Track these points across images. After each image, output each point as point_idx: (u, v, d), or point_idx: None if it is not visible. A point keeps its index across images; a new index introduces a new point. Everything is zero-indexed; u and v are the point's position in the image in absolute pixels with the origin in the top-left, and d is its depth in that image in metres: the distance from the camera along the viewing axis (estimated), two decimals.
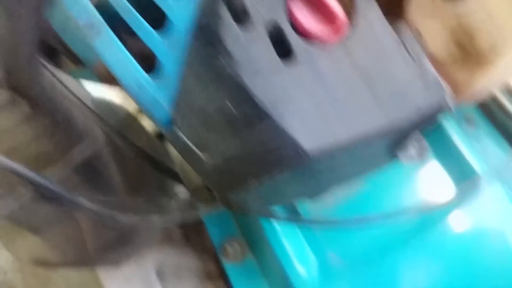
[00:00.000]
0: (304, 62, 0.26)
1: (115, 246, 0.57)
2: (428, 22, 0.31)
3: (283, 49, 0.26)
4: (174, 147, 0.28)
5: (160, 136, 0.72)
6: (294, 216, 0.36)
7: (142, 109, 0.29)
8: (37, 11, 0.21)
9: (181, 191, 0.67)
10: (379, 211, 0.63)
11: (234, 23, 0.25)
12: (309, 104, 0.25)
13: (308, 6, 0.27)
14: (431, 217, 0.48)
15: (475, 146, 0.59)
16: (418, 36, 0.28)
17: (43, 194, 0.33)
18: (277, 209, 0.38)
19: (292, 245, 0.55)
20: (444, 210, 0.47)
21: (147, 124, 0.97)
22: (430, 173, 0.67)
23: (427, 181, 0.67)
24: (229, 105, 0.25)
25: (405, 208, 0.41)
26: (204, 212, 0.38)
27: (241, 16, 0.25)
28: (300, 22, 0.27)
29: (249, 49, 0.25)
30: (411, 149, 0.33)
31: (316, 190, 0.33)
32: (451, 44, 0.28)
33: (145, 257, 0.72)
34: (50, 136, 0.43)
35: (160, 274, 0.72)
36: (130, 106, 0.99)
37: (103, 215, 0.34)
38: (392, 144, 0.30)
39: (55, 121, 0.44)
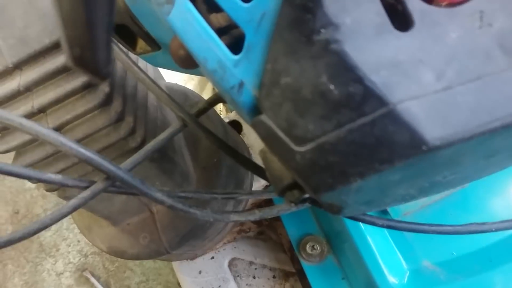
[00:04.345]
0: (424, 29, 0.20)
1: (189, 238, 0.55)
2: None
3: (396, 14, 0.21)
4: (260, 136, 0.24)
5: (233, 124, 0.70)
6: (395, 223, 0.31)
7: (222, 92, 0.26)
8: None
9: (256, 184, 0.63)
10: (481, 216, 0.55)
11: None
12: (432, 82, 0.20)
13: None
14: None
15: None
16: None
17: (117, 185, 0.31)
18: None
19: (381, 251, 0.50)
20: None
21: (219, 111, 0.96)
22: None
23: None
24: (328, 83, 0.20)
25: None
26: (283, 209, 0.34)
27: None
28: None
29: (354, 13, 0.20)
30: None
31: (425, 192, 0.28)
32: None
33: (220, 252, 0.71)
34: (126, 124, 0.41)
35: (234, 270, 0.70)
36: (203, 93, 0.98)
37: (178, 209, 0.31)
38: None
39: (131, 107, 0.42)
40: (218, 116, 0.57)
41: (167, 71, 0.64)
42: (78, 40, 0.18)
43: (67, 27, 0.17)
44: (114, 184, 0.31)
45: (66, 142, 0.28)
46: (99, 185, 0.30)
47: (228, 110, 0.83)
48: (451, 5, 0.21)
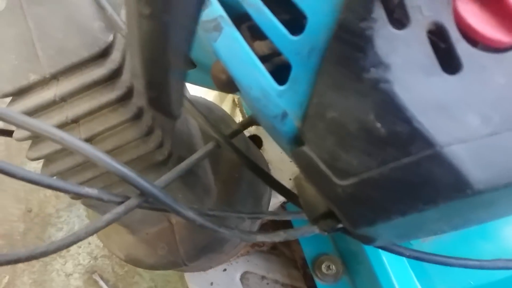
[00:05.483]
0: (472, 73, 0.21)
1: (206, 252, 0.55)
2: None
3: (444, 56, 0.21)
4: (299, 166, 0.24)
5: (253, 138, 0.70)
6: (421, 254, 0.31)
7: (263, 120, 0.26)
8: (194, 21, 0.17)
9: (274, 200, 0.64)
10: (499, 246, 0.55)
11: (388, 22, 0.20)
12: (478, 126, 0.20)
13: (476, 2, 0.22)
14: None
15: None
16: None
17: (150, 201, 0.31)
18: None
19: (398, 276, 0.50)
20: None
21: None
22: None
23: None
24: (375, 121, 0.20)
25: None
26: (307, 231, 0.34)
27: (397, 14, 0.21)
28: (467, 22, 0.21)
29: (404, 54, 0.20)
30: None
31: (457, 227, 0.28)
32: None
33: (232, 265, 0.71)
34: (155, 137, 0.42)
35: (246, 284, 0.70)
36: (222, 104, 0.98)
37: (208, 228, 0.32)
38: None
39: (160, 120, 0.43)
40: (242, 132, 0.57)
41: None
42: (156, 85, 0.18)
43: (147, 72, 0.18)
44: (147, 200, 0.31)
45: (104, 158, 0.29)
46: (133, 201, 0.30)
47: None
48: (499, 50, 0.21)
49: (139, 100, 0.19)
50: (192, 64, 0.36)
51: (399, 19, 0.21)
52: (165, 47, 0.17)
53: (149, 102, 0.20)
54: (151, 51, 0.17)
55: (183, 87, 0.21)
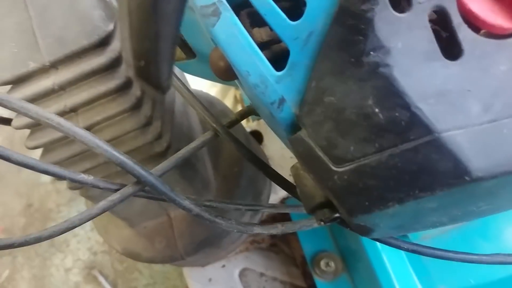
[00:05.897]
0: (473, 59, 0.20)
1: (204, 246, 0.55)
2: None
3: (446, 41, 0.21)
4: (296, 153, 0.24)
5: (254, 134, 0.70)
6: (420, 248, 0.31)
7: (261, 107, 0.26)
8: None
9: (274, 196, 0.63)
10: (500, 245, 0.54)
11: (390, 4, 0.20)
12: (478, 113, 0.20)
13: None
14: None
15: None
16: None
17: (146, 190, 0.31)
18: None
19: (397, 273, 0.49)
20: None
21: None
22: None
23: None
24: (374, 106, 0.20)
25: None
26: (305, 225, 0.34)
27: None
28: (469, 7, 0.21)
29: (405, 38, 0.20)
30: None
31: (456, 220, 0.27)
32: None
33: (231, 261, 0.70)
34: (153, 128, 0.42)
35: (244, 281, 0.70)
36: (224, 99, 0.98)
37: (204, 218, 0.31)
38: None
39: (159, 112, 0.43)
40: (241, 126, 0.57)
41: (190, 77, 0.65)
42: (144, 53, 0.18)
43: (135, 40, 0.18)
44: (143, 189, 0.31)
45: (101, 144, 0.28)
46: (129, 189, 0.30)
47: (248, 120, 0.83)
48: (501, 37, 0.21)
49: (136, 84, 0.18)
50: (192, 54, 0.36)
51: (400, 2, 0.20)
52: (153, 10, 0.17)
53: (137, 72, 0.19)
54: (139, 15, 0.17)
55: (172, 58, 0.20)
